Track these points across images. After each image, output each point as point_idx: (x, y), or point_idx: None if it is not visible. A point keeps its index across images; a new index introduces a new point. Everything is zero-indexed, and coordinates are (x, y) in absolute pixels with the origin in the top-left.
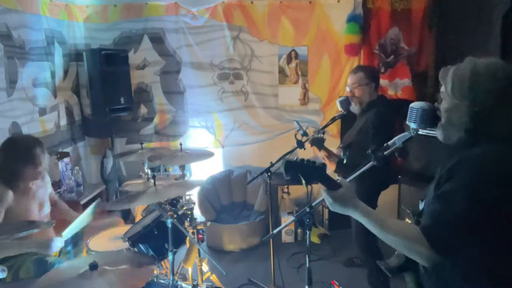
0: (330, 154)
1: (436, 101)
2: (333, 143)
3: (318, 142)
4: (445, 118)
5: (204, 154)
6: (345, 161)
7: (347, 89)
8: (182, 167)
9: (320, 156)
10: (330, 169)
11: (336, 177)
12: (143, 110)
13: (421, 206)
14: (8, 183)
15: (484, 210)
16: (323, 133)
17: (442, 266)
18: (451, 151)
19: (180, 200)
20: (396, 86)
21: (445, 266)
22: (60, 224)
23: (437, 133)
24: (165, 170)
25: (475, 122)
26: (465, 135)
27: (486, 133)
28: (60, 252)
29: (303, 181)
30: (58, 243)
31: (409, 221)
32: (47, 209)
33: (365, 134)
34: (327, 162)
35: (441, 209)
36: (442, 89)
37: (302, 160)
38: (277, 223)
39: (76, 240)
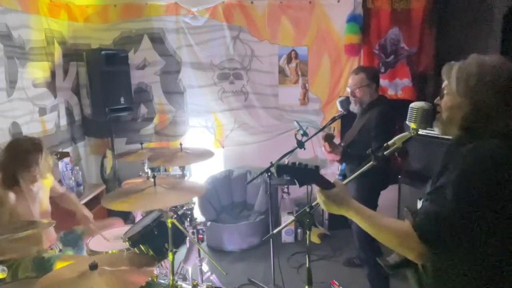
0: (336, 147)
1: (436, 99)
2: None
3: (331, 138)
4: (447, 115)
5: (204, 154)
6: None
7: (348, 89)
8: (182, 167)
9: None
10: (335, 159)
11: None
12: (143, 110)
13: (419, 205)
14: (10, 185)
15: (474, 204)
16: (333, 130)
17: (440, 265)
18: (448, 149)
19: None
20: (396, 86)
21: (443, 264)
22: (67, 215)
23: (436, 128)
24: (165, 170)
25: (475, 119)
26: (462, 132)
27: (482, 130)
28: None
29: (297, 183)
30: None
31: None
32: (48, 209)
33: (367, 133)
34: (331, 155)
35: (431, 204)
36: (445, 84)
37: (294, 163)
38: (277, 223)
39: (76, 240)
